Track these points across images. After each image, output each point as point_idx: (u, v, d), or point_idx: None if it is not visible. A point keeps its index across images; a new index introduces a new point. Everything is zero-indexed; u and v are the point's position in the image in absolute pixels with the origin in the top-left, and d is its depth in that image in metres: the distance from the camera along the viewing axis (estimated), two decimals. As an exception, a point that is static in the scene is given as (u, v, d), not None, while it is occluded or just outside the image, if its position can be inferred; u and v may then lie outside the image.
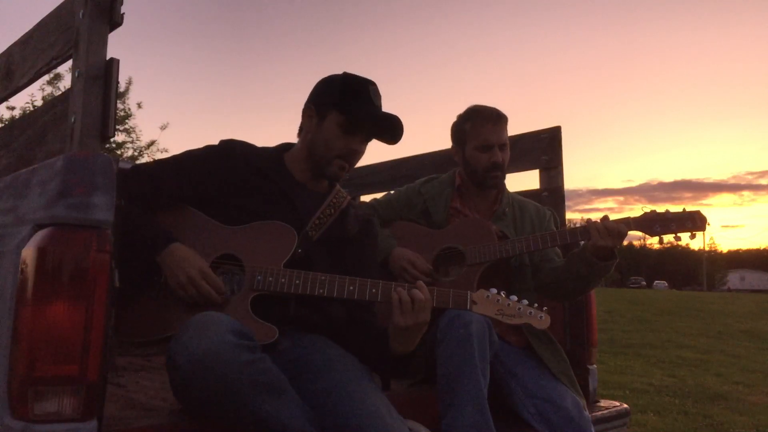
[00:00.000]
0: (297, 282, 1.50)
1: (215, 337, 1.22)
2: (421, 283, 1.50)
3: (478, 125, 2.13)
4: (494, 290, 1.58)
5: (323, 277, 1.50)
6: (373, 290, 1.50)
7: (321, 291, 1.50)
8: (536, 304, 1.59)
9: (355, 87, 1.63)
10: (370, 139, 1.69)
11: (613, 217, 1.91)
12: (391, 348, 1.52)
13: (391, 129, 1.66)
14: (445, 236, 2.08)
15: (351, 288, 1.50)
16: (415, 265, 2.01)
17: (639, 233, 1.98)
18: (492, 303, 1.57)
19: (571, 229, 2.03)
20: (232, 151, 1.65)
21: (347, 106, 1.61)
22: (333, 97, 1.63)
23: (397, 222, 2.20)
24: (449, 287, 1.99)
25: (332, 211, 1.69)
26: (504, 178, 2.19)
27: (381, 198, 2.35)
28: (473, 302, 1.56)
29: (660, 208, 1.94)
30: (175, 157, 1.68)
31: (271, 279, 1.50)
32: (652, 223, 1.92)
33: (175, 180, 1.59)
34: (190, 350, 1.22)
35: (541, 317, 1.58)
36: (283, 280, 1.50)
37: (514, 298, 1.59)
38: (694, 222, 1.90)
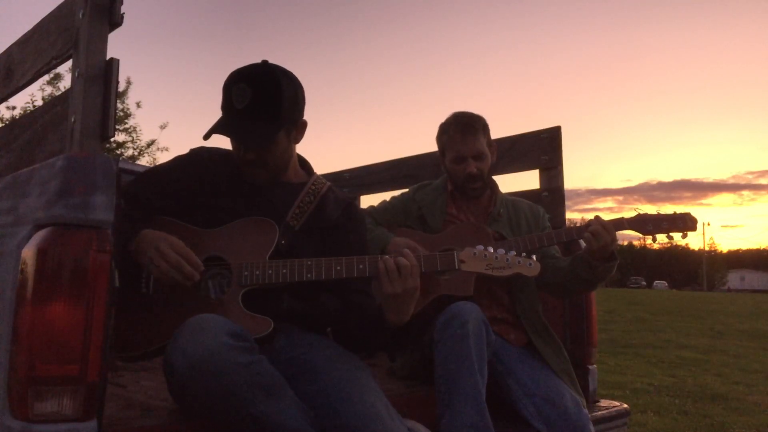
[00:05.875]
0: (284, 271, 1.50)
1: (211, 340, 1.22)
2: (406, 251, 1.51)
3: (450, 138, 2.15)
4: (480, 246, 1.57)
5: (309, 262, 1.50)
6: (360, 266, 1.51)
7: (309, 276, 1.50)
8: (524, 254, 1.59)
9: (224, 85, 1.57)
10: (235, 143, 1.60)
11: (609, 216, 1.96)
12: (387, 321, 1.51)
13: (235, 135, 1.56)
14: (441, 240, 2.08)
15: (338, 268, 1.50)
16: (416, 250, 2.02)
17: (635, 233, 2.05)
18: (480, 259, 1.56)
19: (566, 228, 2.09)
20: (201, 158, 1.65)
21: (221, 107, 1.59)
22: None
23: (396, 228, 2.21)
24: (447, 285, 2.00)
25: (311, 198, 1.68)
26: (486, 185, 2.19)
27: (377, 205, 2.36)
28: (461, 261, 1.56)
29: (652, 210, 2.05)
30: (147, 172, 1.68)
31: (258, 272, 1.50)
32: (645, 223, 2.01)
33: (150, 193, 1.59)
34: (186, 353, 1.22)
35: (530, 264, 1.57)
36: (270, 271, 1.50)
37: (502, 251, 1.58)
38: (685, 223, 2.00)
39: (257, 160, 1.59)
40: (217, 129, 1.54)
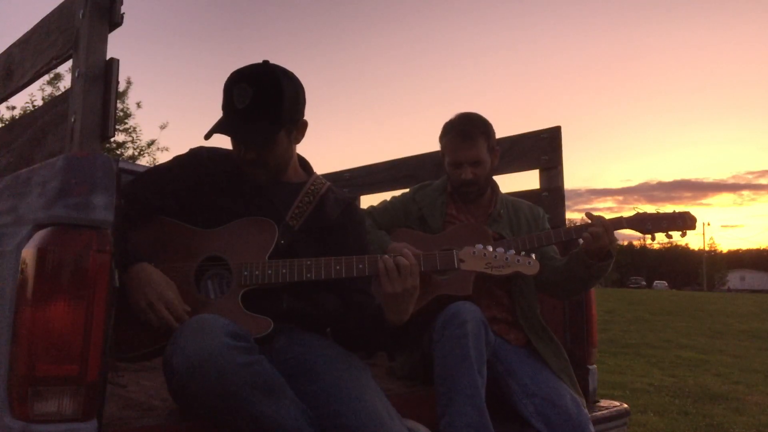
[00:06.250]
0: (284, 271, 1.50)
1: (211, 340, 1.22)
2: (406, 250, 1.51)
3: (449, 142, 2.14)
4: (480, 245, 1.57)
5: (309, 262, 1.50)
6: (360, 265, 1.51)
7: (309, 275, 1.50)
8: (523, 252, 1.59)
9: (225, 85, 1.57)
10: (235, 143, 1.59)
11: (608, 216, 1.96)
12: (387, 320, 1.51)
13: (236, 135, 1.56)
14: (441, 241, 2.08)
15: (338, 267, 1.51)
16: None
17: (635, 232, 2.05)
18: (479, 258, 1.56)
19: (565, 228, 2.09)
20: (201, 158, 1.66)
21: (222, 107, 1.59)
22: None
23: (396, 229, 2.22)
24: (446, 285, 2.00)
25: (311, 198, 1.68)
26: (482, 190, 2.18)
27: (377, 206, 2.35)
28: (461, 260, 1.55)
29: (652, 209, 2.04)
30: (146, 172, 1.69)
31: (257, 272, 1.50)
32: (644, 222, 2.01)
33: (150, 193, 1.59)
34: (186, 353, 1.23)
35: (529, 263, 1.57)
36: (269, 271, 1.50)
37: (501, 249, 1.57)
38: (684, 221, 2.00)
39: (257, 160, 1.59)
40: (217, 129, 1.54)
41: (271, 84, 1.55)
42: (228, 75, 1.58)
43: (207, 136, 1.54)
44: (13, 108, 13.56)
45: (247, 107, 1.52)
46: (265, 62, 1.59)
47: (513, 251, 1.57)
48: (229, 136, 1.56)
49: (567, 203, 2.48)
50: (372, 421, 1.33)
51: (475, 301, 1.88)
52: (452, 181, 2.18)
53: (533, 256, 1.59)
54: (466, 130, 2.10)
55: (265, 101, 1.53)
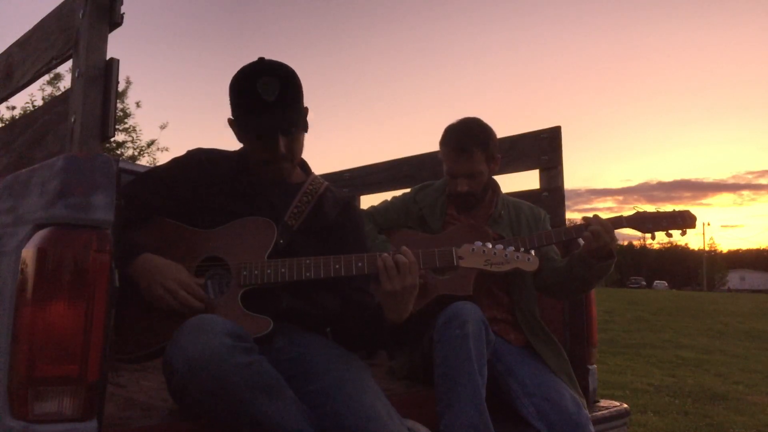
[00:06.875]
0: (283, 270, 1.50)
1: (211, 340, 1.22)
2: (405, 248, 1.50)
3: (446, 153, 2.13)
4: (479, 243, 1.57)
5: (308, 261, 1.50)
6: (359, 264, 1.51)
7: (308, 274, 1.50)
8: (523, 249, 1.59)
9: (240, 85, 1.56)
10: (276, 136, 1.57)
11: (608, 216, 1.96)
12: (387, 319, 1.51)
13: (282, 125, 1.56)
14: (442, 241, 2.08)
15: (337, 266, 1.51)
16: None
17: (635, 232, 2.05)
18: (478, 255, 1.56)
19: (565, 228, 2.08)
20: (199, 159, 1.66)
21: (237, 109, 1.58)
22: (230, 100, 1.60)
23: (396, 230, 2.21)
24: (446, 284, 2.00)
25: (309, 198, 1.69)
26: (480, 198, 2.18)
27: (378, 206, 2.35)
28: (459, 257, 1.55)
29: (651, 209, 2.04)
30: (145, 173, 1.69)
31: (257, 272, 1.50)
32: (643, 221, 2.01)
33: (149, 194, 1.59)
34: (186, 354, 1.23)
35: (529, 259, 1.57)
36: (269, 271, 1.50)
37: (500, 246, 1.57)
38: (684, 220, 1.99)
39: (287, 153, 1.60)
40: (262, 129, 1.55)
41: (289, 73, 1.58)
42: (231, 77, 1.57)
43: (258, 137, 1.56)
44: (13, 108, 13.57)
45: (279, 98, 1.54)
46: (262, 59, 1.59)
47: (512, 248, 1.57)
48: (278, 130, 1.55)
49: (567, 203, 2.48)
50: (372, 421, 1.33)
51: (475, 301, 1.88)
52: (449, 190, 2.17)
53: (533, 252, 1.59)
54: (462, 144, 2.08)
55: (292, 89, 1.56)
